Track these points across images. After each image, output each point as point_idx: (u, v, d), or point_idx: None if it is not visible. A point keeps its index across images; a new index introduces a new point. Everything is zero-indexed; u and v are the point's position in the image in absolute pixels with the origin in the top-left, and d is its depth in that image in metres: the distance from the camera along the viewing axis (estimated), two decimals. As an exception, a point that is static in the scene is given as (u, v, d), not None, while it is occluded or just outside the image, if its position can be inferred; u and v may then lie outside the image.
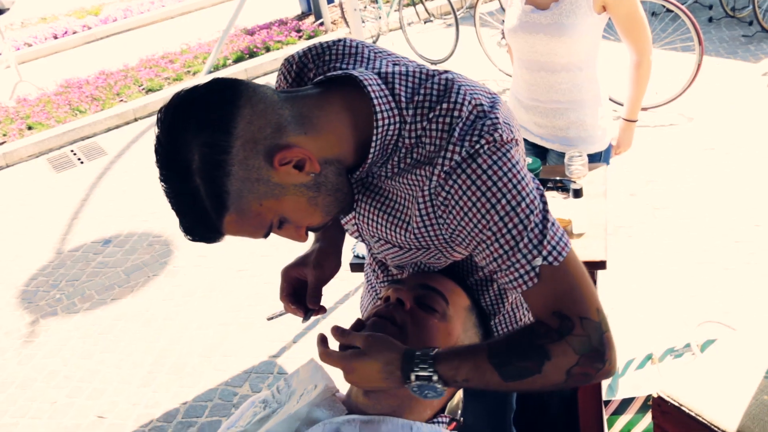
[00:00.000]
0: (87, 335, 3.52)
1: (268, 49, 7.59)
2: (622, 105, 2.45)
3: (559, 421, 2.30)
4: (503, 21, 2.86)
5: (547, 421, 2.32)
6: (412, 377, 1.05)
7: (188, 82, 7.00)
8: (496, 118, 1.03)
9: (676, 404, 1.68)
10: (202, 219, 0.98)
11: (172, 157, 0.95)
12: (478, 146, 1.01)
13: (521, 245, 1.02)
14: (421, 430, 1.09)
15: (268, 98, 0.98)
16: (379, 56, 1.17)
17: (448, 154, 1.03)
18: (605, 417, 2.17)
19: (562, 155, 2.34)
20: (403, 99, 1.07)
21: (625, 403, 2.20)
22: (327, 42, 1.20)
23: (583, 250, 1.82)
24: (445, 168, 1.03)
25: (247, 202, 0.98)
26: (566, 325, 1.02)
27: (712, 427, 1.61)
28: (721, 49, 5.54)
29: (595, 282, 1.85)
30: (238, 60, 7.41)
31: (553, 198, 2.06)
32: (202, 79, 6.84)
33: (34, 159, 6.06)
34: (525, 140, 2.45)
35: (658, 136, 4.44)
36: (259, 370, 3.07)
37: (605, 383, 2.18)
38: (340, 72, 1.09)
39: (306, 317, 1.34)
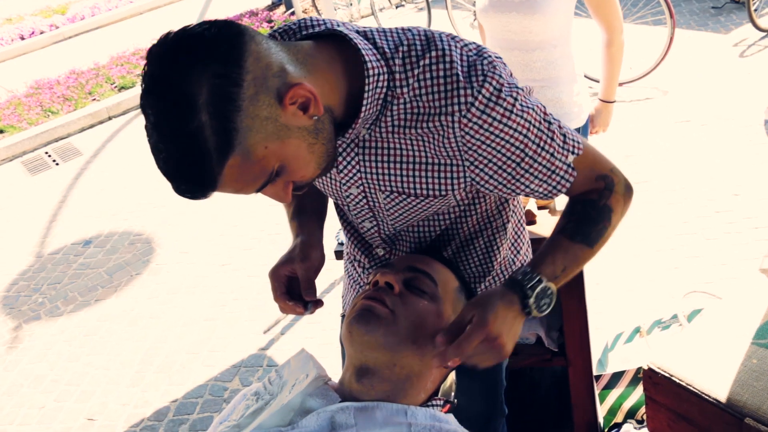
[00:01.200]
0: (72, 338, 3.48)
1: (240, 41, 7.52)
2: (597, 81, 2.44)
3: (550, 398, 2.31)
4: (474, 2, 2.84)
5: (538, 398, 2.34)
6: (529, 294, 1.11)
7: (161, 78, 6.92)
8: (489, 55, 1.08)
9: (667, 375, 1.69)
10: (201, 164, 0.91)
11: (174, 91, 0.88)
12: (488, 86, 1.04)
13: (555, 153, 1.13)
14: (415, 414, 1.09)
15: (267, 39, 0.97)
16: (347, 25, 1.16)
17: (462, 99, 1.04)
18: (596, 392, 2.18)
19: None
20: (387, 50, 1.07)
21: (616, 377, 2.22)
22: (292, 21, 1.19)
23: (567, 227, 1.82)
24: (464, 113, 1.05)
25: (253, 143, 0.93)
26: (609, 181, 1.19)
27: (703, 395, 1.62)
28: (692, 21, 5.57)
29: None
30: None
31: (535, 176, 2.06)
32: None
33: (7, 163, 5.97)
34: None
35: (633, 111, 4.46)
36: (248, 364, 3.05)
37: (595, 358, 2.19)
38: (322, 29, 1.08)
39: (308, 310, 1.32)
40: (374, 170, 1.17)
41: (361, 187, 1.22)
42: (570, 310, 1.92)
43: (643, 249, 3.21)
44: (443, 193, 1.17)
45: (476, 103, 1.04)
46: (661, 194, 3.56)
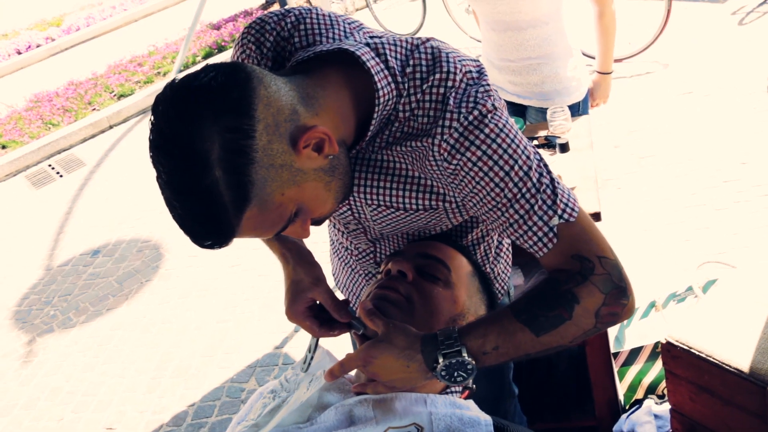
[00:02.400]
0: (86, 348, 3.48)
1: (235, 42, 7.50)
2: (588, 56, 2.43)
3: (569, 379, 2.30)
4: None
5: (556, 380, 2.32)
6: (440, 359, 1.02)
7: (159, 84, 6.91)
8: (488, 84, 1.04)
9: (686, 347, 1.67)
10: (217, 218, 0.89)
11: (185, 148, 0.85)
12: (476, 113, 1.00)
13: (536, 208, 1.03)
14: (435, 402, 1.07)
15: (275, 79, 0.93)
16: (356, 29, 1.13)
17: (447, 122, 1.01)
18: (615, 369, 2.16)
19: (540, 111, 2.32)
20: (397, 72, 1.04)
21: (634, 353, 2.20)
22: (295, 9, 1.15)
23: (576, 205, 1.80)
24: (446, 137, 1.01)
25: (270, 192, 0.91)
26: (587, 266, 1.03)
27: (724, 365, 1.60)
28: (689, -8, 5.52)
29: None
30: (208, 56, 7.33)
31: (541, 156, 2.04)
32: (177, 76, 6.79)
33: (11, 178, 5.97)
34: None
35: (635, 86, 4.43)
36: (263, 363, 3.05)
37: (612, 335, 2.17)
38: (332, 47, 1.04)
39: (356, 328, 1.18)
40: (361, 184, 1.13)
41: (348, 202, 1.19)
42: (584, 289, 1.90)
43: (652, 223, 3.18)
44: (433, 206, 1.13)
45: (459, 128, 1.01)
46: (668, 167, 3.53)
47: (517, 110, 2.46)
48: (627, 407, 2.16)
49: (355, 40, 1.09)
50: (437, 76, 1.02)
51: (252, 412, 1.20)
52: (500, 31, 2.27)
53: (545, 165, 1.06)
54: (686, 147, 3.65)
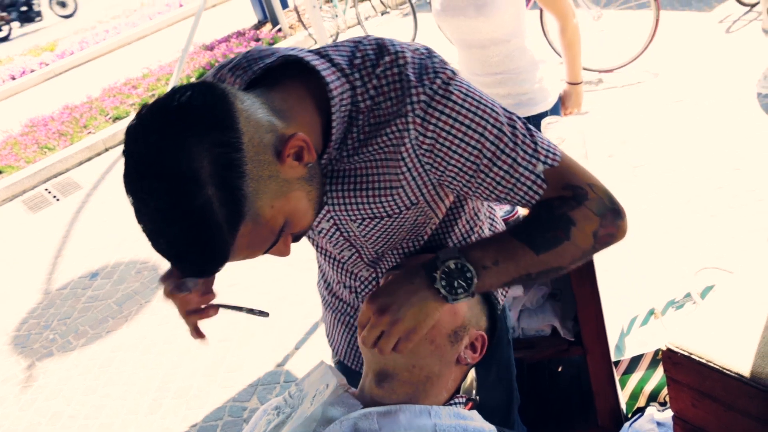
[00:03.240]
0: (87, 371, 3.48)
1: (229, 62, 7.54)
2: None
3: (571, 388, 2.30)
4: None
5: (558, 389, 2.33)
6: (439, 271, 1.03)
7: (153, 106, 6.93)
8: (439, 56, 1.06)
9: (687, 354, 1.68)
10: (212, 239, 0.87)
11: (173, 170, 0.83)
12: (439, 81, 1.02)
13: (519, 159, 1.05)
14: (439, 414, 1.08)
15: (244, 95, 0.93)
16: (297, 49, 1.14)
17: (414, 98, 1.02)
18: (617, 378, 2.17)
19: None
20: (344, 66, 1.04)
21: (635, 361, 2.21)
22: (234, 57, 1.16)
23: (572, 215, 1.82)
24: (417, 113, 1.02)
25: (261, 206, 0.91)
26: (579, 193, 1.06)
27: (725, 371, 1.61)
28: (675, 2, 5.58)
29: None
30: (201, 76, 7.35)
31: (536, 167, 2.06)
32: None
33: (8, 202, 5.98)
34: None
35: (627, 96, 4.46)
36: (265, 382, 3.04)
37: (612, 344, 2.18)
38: (275, 60, 1.05)
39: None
40: (341, 200, 1.13)
41: (332, 220, 1.18)
42: (583, 298, 1.91)
43: (649, 231, 3.20)
44: (413, 201, 1.13)
45: (427, 99, 1.02)
46: (662, 175, 3.55)
47: None
48: (629, 415, 2.16)
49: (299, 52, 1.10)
50: (387, 59, 1.03)
51: (256, 428, 1.20)
52: (464, 48, 2.39)
53: (518, 118, 1.08)
54: (679, 155, 3.68)
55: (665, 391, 2.13)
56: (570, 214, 1.05)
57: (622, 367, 2.22)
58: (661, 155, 3.72)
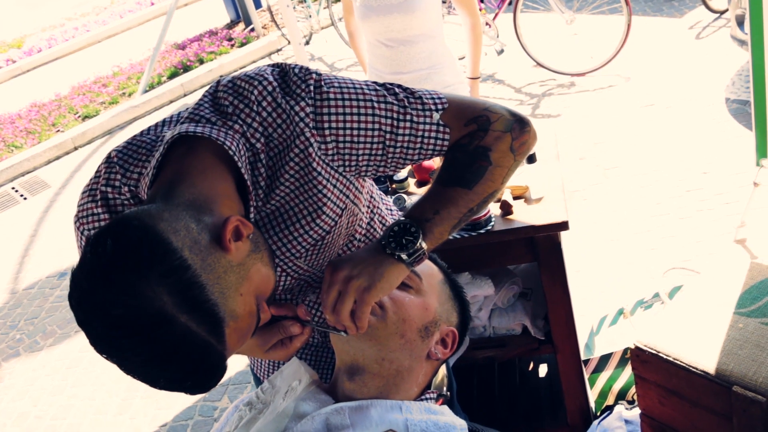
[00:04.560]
0: (54, 371, 3.42)
1: (201, 62, 7.48)
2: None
3: (540, 387, 2.32)
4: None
5: (528, 388, 2.35)
6: (386, 238, 1.06)
7: (124, 104, 6.86)
8: (294, 64, 1.08)
9: (654, 352, 1.71)
10: (207, 356, 0.87)
11: (143, 319, 0.82)
12: (312, 86, 1.05)
13: (415, 119, 1.09)
14: (410, 409, 1.08)
15: (158, 210, 0.91)
16: (174, 116, 1.14)
17: (301, 114, 1.04)
18: (586, 376, 2.19)
19: None
20: (217, 121, 1.04)
21: (604, 360, 2.23)
22: (107, 159, 1.12)
23: (544, 214, 1.83)
24: (310, 125, 1.04)
25: (232, 301, 0.91)
26: (482, 121, 1.12)
27: (691, 368, 1.64)
28: (647, 8, 5.66)
29: (559, 244, 1.86)
30: (173, 75, 7.29)
31: (508, 167, 2.07)
32: (142, 98, 6.70)
33: (-26, 201, 5.87)
34: None
35: (598, 99, 4.51)
36: (236, 381, 3.02)
37: (582, 343, 2.20)
38: (161, 152, 1.02)
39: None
40: (281, 242, 1.11)
41: (279, 268, 1.15)
42: (554, 298, 1.93)
43: (619, 233, 3.24)
44: (342, 206, 1.13)
45: (312, 109, 1.04)
46: (633, 178, 3.60)
47: None
48: (598, 414, 2.19)
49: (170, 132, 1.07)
50: (255, 93, 1.03)
51: (228, 425, 1.19)
52: (393, 47, 2.50)
53: (392, 84, 1.11)
54: (650, 158, 3.73)
55: (633, 389, 2.16)
56: (482, 144, 1.11)
57: (591, 365, 2.25)
58: (632, 158, 3.77)
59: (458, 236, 1.85)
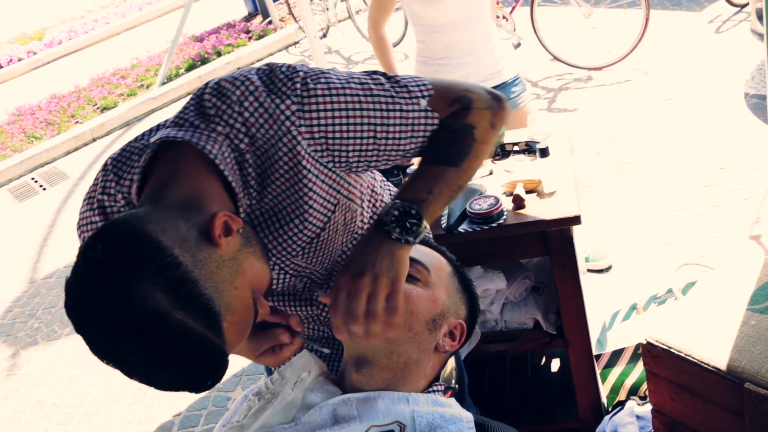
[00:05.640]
0: (71, 360, 3.47)
1: (219, 54, 7.52)
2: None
3: (552, 381, 2.32)
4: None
5: (540, 382, 2.35)
6: (388, 224, 1.06)
7: (142, 96, 6.91)
8: (282, 63, 1.08)
9: (666, 347, 1.70)
10: (207, 351, 0.88)
11: (141, 320, 0.83)
12: (298, 84, 1.05)
13: (404, 107, 1.11)
14: (417, 401, 1.09)
15: (146, 212, 0.92)
16: (161, 124, 1.14)
17: (287, 113, 1.04)
18: (598, 371, 2.19)
19: None
20: (201, 124, 1.04)
21: (616, 355, 2.23)
22: (95, 188, 1.15)
23: (556, 208, 1.83)
24: (296, 123, 1.04)
25: (227, 294, 0.92)
26: (465, 101, 1.15)
27: (703, 364, 1.63)
28: (666, 1, 5.61)
29: (571, 239, 1.86)
30: (191, 68, 7.33)
31: (521, 161, 2.07)
32: (159, 89, 6.75)
33: (-6, 191, 5.95)
34: None
35: (615, 93, 4.48)
36: (249, 372, 3.05)
37: (594, 338, 2.20)
38: (145, 157, 1.04)
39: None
40: (276, 241, 1.13)
41: (277, 267, 1.17)
42: (566, 292, 1.93)
43: (634, 228, 3.22)
44: (335, 201, 1.14)
45: (298, 107, 1.04)
46: (649, 173, 3.58)
47: None
48: (610, 409, 2.19)
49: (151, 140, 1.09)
50: (237, 93, 1.04)
51: (237, 414, 1.21)
52: (449, 32, 2.46)
53: (375, 72, 1.13)
54: (666, 153, 3.70)
55: (645, 385, 2.15)
56: (467, 122, 1.14)
57: (603, 360, 2.25)
58: (649, 153, 3.75)
59: (470, 230, 1.85)
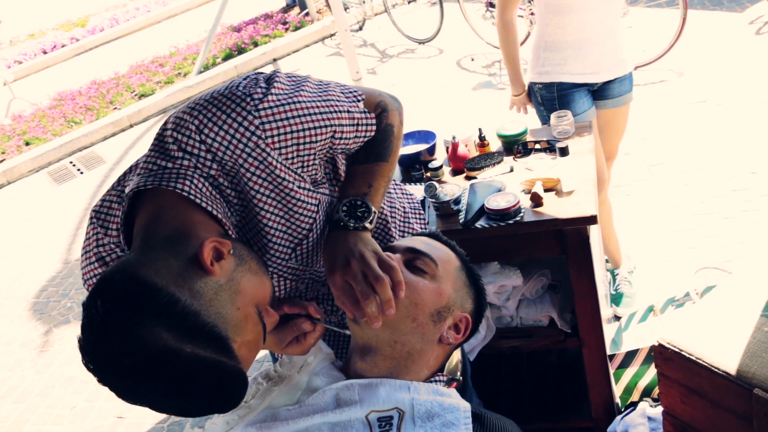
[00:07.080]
0: (100, 340, 3.56)
1: (256, 44, 7.60)
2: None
3: (566, 380, 2.33)
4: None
5: (554, 381, 2.36)
6: (341, 220, 1.18)
7: (180, 84, 7.02)
8: (241, 81, 1.12)
9: (677, 350, 1.70)
10: (224, 374, 0.92)
11: (152, 362, 0.87)
12: (257, 99, 1.09)
13: (348, 107, 1.22)
14: (418, 390, 1.12)
15: (135, 256, 0.96)
16: (141, 163, 1.15)
17: (251, 129, 1.08)
18: (611, 371, 2.19)
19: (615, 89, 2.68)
20: (167, 164, 1.07)
21: (630, 356, 2.23)
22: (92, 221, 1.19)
23: (573, 207, 1.84)
24: (262, 137, 1.08)
25: (231, 317, 0.96)
26: (383, 105, 1.31)
27: (713, 368, 1.63)
28: (706, 1, 5.52)
29: (587, 238, 1.87)
30: (228, 57, 7.42)
31: (541, 159, 2.08)
32: (197, 76, 6.83)
33: (34, 174, 6.10)
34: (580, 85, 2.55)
35: (649, 94, 4.44)
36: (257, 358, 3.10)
37: (608, 338, 2.20)
38: (125, 203, 1.07)
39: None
40: (268, 255, 1.18)
41: (275, 275, 1.22)
42: (581, 291, 1.94)
43: (659, 230, 3.20)
44: (316, 202, 1.18)
45: (260, 122, 1.08)
46: (678, 175, 3.55)
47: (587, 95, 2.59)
48: (623, 409, 2.19)
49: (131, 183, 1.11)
50: (195, 123, 1.07)
51: (246, 395, 1.25)
52: (582, 12, 2.41)
53: (318, 80, 1.22)
54: (697, 155, 3.66)
55: (658, 387, 2.15)
56: (388, 122, 1.30)
57: (617, 361, 2.25)
58: (679, 155, 3.71)
59: (487, 226, 1.87)
